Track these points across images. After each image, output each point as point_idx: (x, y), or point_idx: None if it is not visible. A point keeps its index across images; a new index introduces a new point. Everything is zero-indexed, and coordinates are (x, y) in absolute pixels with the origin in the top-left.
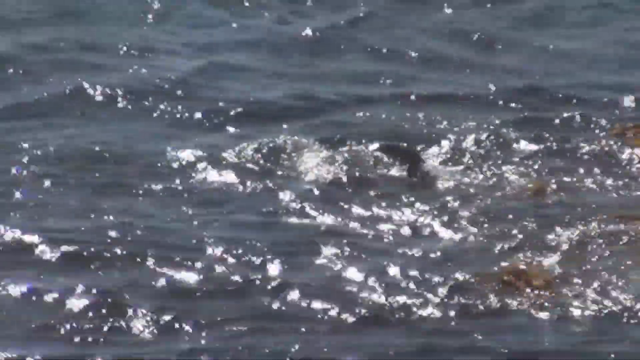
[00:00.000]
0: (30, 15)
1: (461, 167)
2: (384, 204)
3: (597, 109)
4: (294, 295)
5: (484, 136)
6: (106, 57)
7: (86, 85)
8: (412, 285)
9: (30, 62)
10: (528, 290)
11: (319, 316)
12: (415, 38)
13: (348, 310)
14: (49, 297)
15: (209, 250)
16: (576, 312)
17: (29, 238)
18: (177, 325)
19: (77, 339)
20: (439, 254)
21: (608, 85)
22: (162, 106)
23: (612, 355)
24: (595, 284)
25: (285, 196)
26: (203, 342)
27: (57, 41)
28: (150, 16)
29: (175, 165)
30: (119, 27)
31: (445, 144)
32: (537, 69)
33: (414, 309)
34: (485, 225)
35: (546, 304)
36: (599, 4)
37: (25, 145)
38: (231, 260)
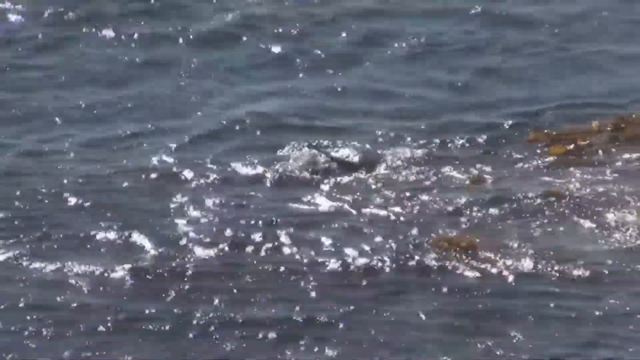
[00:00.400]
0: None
1: (412, 167)
2: (355, 193)
3: (519, 118)
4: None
5: (429, 142)
6: None
7: None
8: (376, 250)
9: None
10: (456, 252)
11: (305, 273)
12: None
13: (323, 269)
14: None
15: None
16: (492, 267)
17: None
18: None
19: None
20: (394, 229)
21: (527, 98)
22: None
23: (521, 303)
24: (511, 249)
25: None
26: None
27: None
28: None
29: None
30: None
31: (400, 149)
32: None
33: (376, 268)
34: (432, 207)
35: (469, 261)
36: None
37: None
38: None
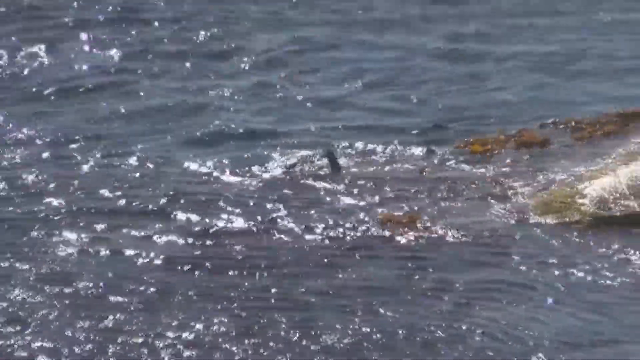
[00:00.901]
0: None
1: (367, 164)
2: (317, 188)
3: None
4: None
5: (379, 144)
6: None
7: None
8: (336, 231)
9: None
10: (398, 226)
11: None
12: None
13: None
14: None
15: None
16: (430, 239)
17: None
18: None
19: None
20: (348, 212)
21: (457, 105)
22: None
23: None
24: (449, 223)
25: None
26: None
27: None
28: None
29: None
30: None
31: (356, 147)
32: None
33: (335, 249)
34: (383, 194)
35: (410, 233)
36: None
37: None
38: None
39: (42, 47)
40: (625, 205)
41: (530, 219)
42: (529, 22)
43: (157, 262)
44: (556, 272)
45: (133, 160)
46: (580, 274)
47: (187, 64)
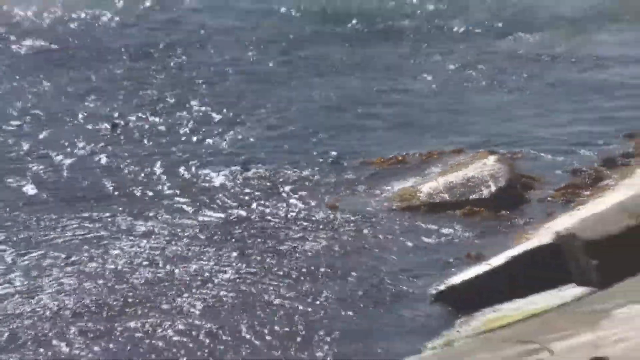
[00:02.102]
0: None
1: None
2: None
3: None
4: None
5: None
6: None
7: None
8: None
9: None
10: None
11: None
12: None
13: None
14: None
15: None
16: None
17: None
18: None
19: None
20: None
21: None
22: None
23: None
24: (350, 209)
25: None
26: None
27: None
28: None
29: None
30: None
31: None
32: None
33: (282, 234)
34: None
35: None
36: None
37: None
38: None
39: None
40: (441, 197)
41: (393, 205)
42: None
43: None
44: (396, 226)
45: None
46: (407, 225)
47: None
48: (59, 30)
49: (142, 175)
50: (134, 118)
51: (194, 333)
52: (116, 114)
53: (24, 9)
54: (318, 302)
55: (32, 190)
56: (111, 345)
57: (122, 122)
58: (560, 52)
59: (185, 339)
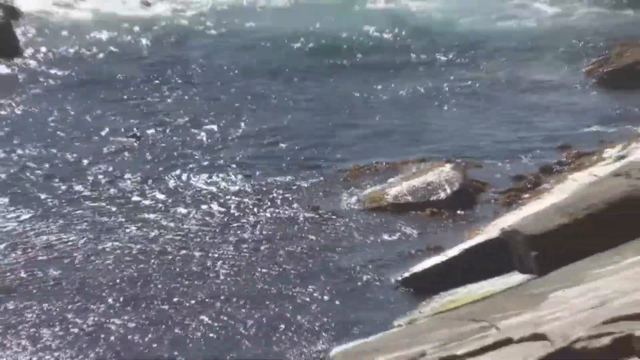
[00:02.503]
0: None
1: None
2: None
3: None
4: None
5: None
6: None
7: None
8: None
9: None
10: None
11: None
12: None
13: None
14: None
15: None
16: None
17: None
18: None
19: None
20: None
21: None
22: None
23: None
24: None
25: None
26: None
27: None
28: None
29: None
30: None
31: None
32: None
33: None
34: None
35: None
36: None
37: None
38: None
39: None
40: (405, 199)
41: (364, 206)
42: None
43: None
44: (367, 224)
45: None
46: (377, 223)
47: None
48: (88, 60)
49: (152, 175)
50: (152, 131)
51: (197, 311)
52: (136, 129)
53: (57, 44)
54: (302, 287)
55: (64, 186)
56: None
57: (141, 135)
58: (505, 77)
59: (187, 317)
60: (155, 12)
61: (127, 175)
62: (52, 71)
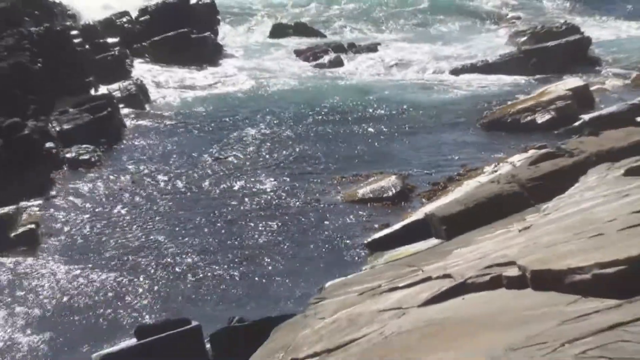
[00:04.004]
0: None
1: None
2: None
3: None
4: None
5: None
6: None
7: None
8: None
9: None
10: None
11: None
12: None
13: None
14: None
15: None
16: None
17: None
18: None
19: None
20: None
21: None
22: None
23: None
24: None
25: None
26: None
27: None
28: None
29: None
30: None
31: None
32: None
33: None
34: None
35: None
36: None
37: None
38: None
39: None
40: (368, 195)
41: (343, 200)
42: None
43: None
44: (344, 211)
45: None
46: (351, 209)
47: None
48: (189, 113)
49: (223, 179)
50: (224, 155)
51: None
52: (216, 153)
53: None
54: (304, 247)
55: (175, 187)
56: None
57: (219, 156)
58: (428, 124)
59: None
60: (221, 92)
61: (208, 179)
62: (167, 120)
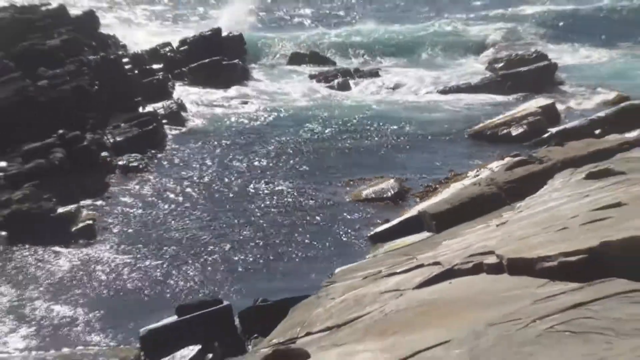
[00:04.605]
0: None
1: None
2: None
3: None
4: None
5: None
6: None
7: None
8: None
9: None
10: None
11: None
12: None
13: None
14: None
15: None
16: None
17: None
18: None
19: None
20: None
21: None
22: None
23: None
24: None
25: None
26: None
27: None
28: None
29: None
30: None
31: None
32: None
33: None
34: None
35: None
36: None
37: None
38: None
39: None
40: (371, 196)
41: (349, 199)
42: None
43: None
44: (351, 208)
45: None
46: (357, 207)
47: None
48: (224, 131)
49: (250, 181)
50: (255, 163)
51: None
52: (244, 160)
53: (203, 122)
54: (311, 240)
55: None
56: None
57: (247, 163)
58: (422, 138)
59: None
60: (247, 110)
61: (237, 182)
62: (202, 133)
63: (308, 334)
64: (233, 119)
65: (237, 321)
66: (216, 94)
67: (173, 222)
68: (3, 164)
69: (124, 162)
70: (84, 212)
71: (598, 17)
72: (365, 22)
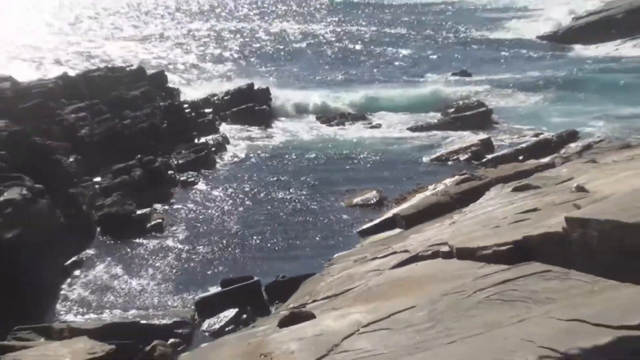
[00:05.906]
0: None
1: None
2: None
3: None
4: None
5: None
6: None
7: None
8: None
9: None
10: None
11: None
12: None
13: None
14: None
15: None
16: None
17: None
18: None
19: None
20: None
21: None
22: None
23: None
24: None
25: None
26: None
27: None
28: None
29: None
30: None
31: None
32: None
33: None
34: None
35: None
36: None
37: None
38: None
39: None
40: (359, 202)
41: (343, 205)
42: None
43: None
44: (344, 211)
45: None
46: (349, 210)
47: None
48: (260, 159)
49: (271, 191)
50: (274, 178)
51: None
52: (270, 177)
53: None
54: (316, 234)
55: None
56: None
57: (272, 179)
58: (394, 160)
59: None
60: (272, 142)
61: (265, 192)
62: (240, 158)
63: (314, 301)
64: (263, 149)
65: (263, 291)
66: (251, 131)
67: (219, 220)
68: (98, 178)
69: (184, 178)
70: (156, 214)
71: (535, 83)
72: (370, 86)
